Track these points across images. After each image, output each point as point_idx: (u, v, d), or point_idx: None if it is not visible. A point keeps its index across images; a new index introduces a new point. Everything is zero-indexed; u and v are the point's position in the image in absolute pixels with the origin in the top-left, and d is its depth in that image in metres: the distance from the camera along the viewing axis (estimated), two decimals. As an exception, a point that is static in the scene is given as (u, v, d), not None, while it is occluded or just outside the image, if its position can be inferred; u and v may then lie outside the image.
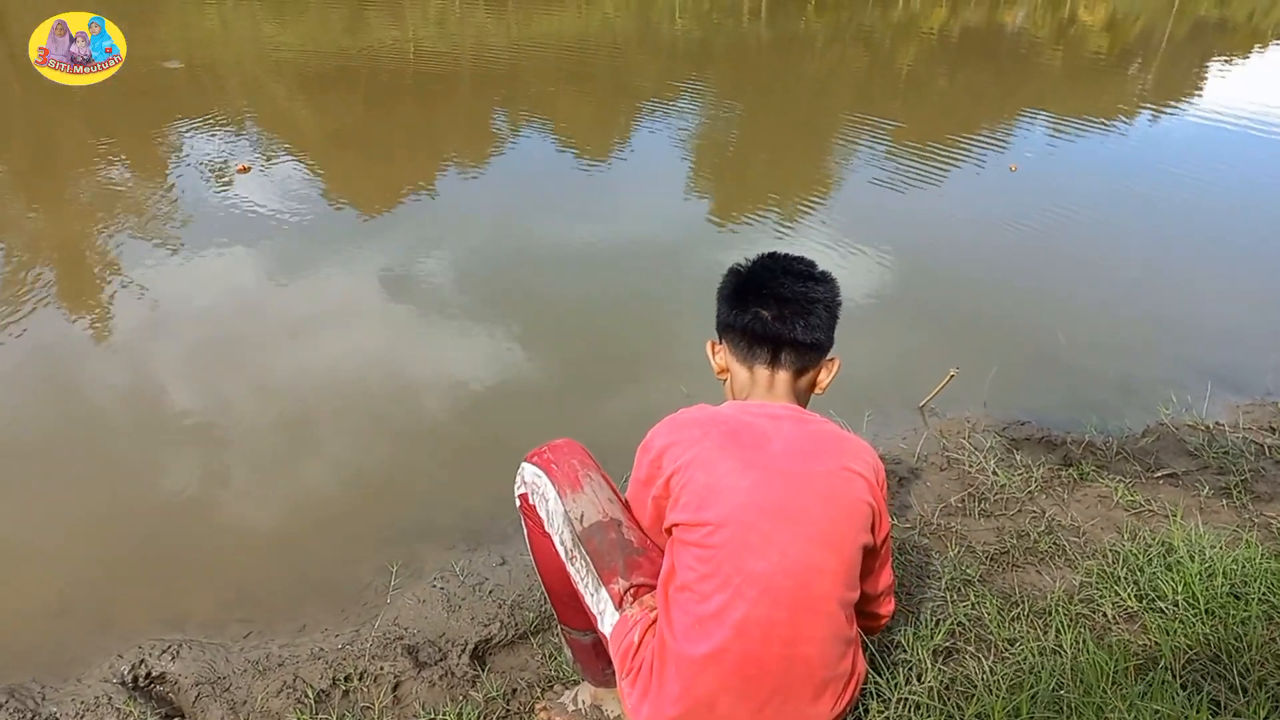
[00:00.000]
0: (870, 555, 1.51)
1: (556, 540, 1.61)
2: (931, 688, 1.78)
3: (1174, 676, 1.78)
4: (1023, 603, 2.08)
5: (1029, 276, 4.56)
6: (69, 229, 4.61)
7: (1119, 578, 2.14)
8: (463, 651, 2.09)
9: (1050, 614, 2.02)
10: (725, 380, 1.70)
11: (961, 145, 6.85)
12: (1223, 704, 1.74)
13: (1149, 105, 9.08)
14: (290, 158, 5.82)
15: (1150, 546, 2.24)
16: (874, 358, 3.49)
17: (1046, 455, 2.86)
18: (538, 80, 8.92)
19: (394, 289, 4.06)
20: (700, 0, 15.83)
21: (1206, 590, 2.02)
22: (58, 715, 1.89)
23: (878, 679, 1.79)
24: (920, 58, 11.88)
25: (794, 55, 11.31)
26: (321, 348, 3.60)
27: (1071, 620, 1.99)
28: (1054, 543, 2.35)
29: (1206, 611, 1.97)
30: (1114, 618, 2.02)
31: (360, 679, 1.98)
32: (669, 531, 1.50)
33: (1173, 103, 9.17)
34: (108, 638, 2.16)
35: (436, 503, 2.73)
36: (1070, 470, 2.73)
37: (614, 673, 1.58)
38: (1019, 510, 2.53)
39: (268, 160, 5.70)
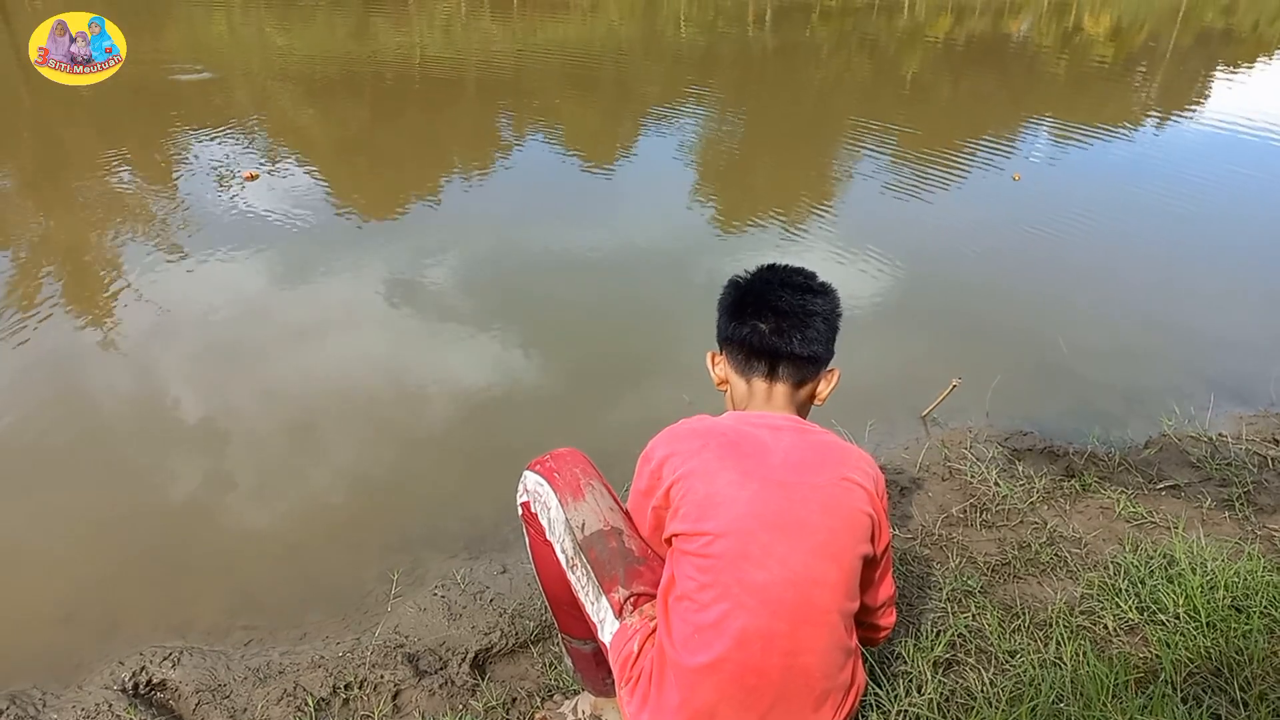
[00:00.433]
0: (870, 566, 1.52)
1: (558, 548, 1.61)
2: (931, 699, 1.78)
3: (1175, 690, 1.78)
4: (1024, 614, 2.07)
5: (1032, 285, 4.56)
6: (77, 235, 4.64)
7: (1120, 590, 2.13)
8: (463, 660, 2.09)
9: (1051, 626, 2.02)
10: (725, 391, 1.71)
11: (965, 153, 6.86)
12: (1224, 718, 1.73)
13: (1154, 113, 9.08)
14: (298, 165, 5.85)
15: (1152, 558, 2.24)
16: (877, 367, 3.49)
17: (1049, 466, 2.85)
18: (543, 87, 8.96)
19: (400, 296, 4.07)
20: (705, 8, 15.88)
21: (1208, 603, 2.01)
22: (59, 722, 1.89)
23: (877, 690, 1.79)
24: (925, 66, 11.90)
25: (799, 63, 11.33)
26: (326, 354, 3.61)
27: (1072, 632, 1.99)
28: (1055, 554, 2.35)
29: (1208, 624, 1.96)
30: (1115, 630, 2.02)
31: (360, 687, 1.99)
32: (669, 541, 1.50)
33: (1178, 111, 9.17)
34: (110, 644, 2.16)
35: (439, 510, 2.74)
36: (1072, 481, 2.73)
37: (614, 682, 1.58)
38: (1021, 521, 2.52)
39: (275, 167, 5.72)
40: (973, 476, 2.74)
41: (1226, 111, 8.82)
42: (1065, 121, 8.24)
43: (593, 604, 1.58)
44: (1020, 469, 2.79)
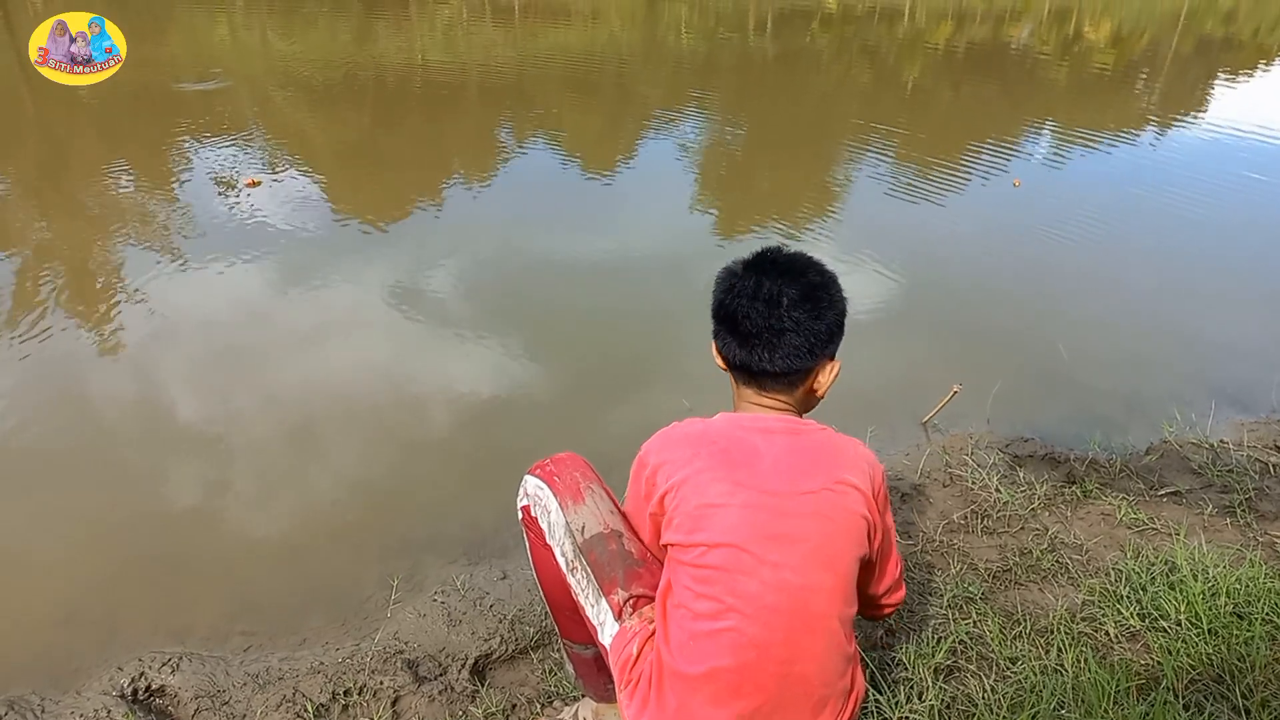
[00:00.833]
0: (867, 567, 1.51)
1: (558, 551, 1.61)
2: (932, 706, 1.78)
3: (1176, 697, 1.77)
4: (1025, 621, 2.07)
5: (1033, 292, 4.56)
6: (80, 241, 4.65)
7: (1122, 596, 2.13)
8: (463, 666, 2.09)
9: (1052, 632, 2.01)
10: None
11: (966, 160, 6.86)
12: (1225, 725, 1.73)
13: (1154, 120, 9.09)
14: (299, 171, 5.86)
15: (1153, 565, 2.23)
16: (877, 373, 3.49)
17: (1050, 472, 2.85)
18: (544, 94, 8.98)
19: (401, 301, 4.07)
20: (706, 15, 15.93)
21: (1210, 610, 2.01)
22: (57, 728, 1.89)
23: (878, 696, 1.79)
24: (925, 72, 11.92)
25: (799, 70, 11.35)
26: (327, 359, 3.62)
27: (1073, 639, 1.98)
28: (1057, 560, 2.34)
29: (1209, 631, 1.96)
30: (1116, 637, 2.01)
31: (360, 693, 1.98)
32: (665, 548, 1.50)
33: (1178, 117, 9.18)
34: (109, 649, 2.16)
35: (439, 516, 2.73)
36: (1073, 488, 2.72)
37: (615, 687, 1.58)
38: (1022, 527, 2.52)
39: (277, 174, 5.73)
40: (974, 483, 2.74)
41: (1227, 118, 8.83)
42: (1066, 128, 8.25)
43: (593, 606, 1.58)
44: (1021, 475, 2.79)
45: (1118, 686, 1.77)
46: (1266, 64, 13.54)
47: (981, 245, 5.22)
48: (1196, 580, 2.10)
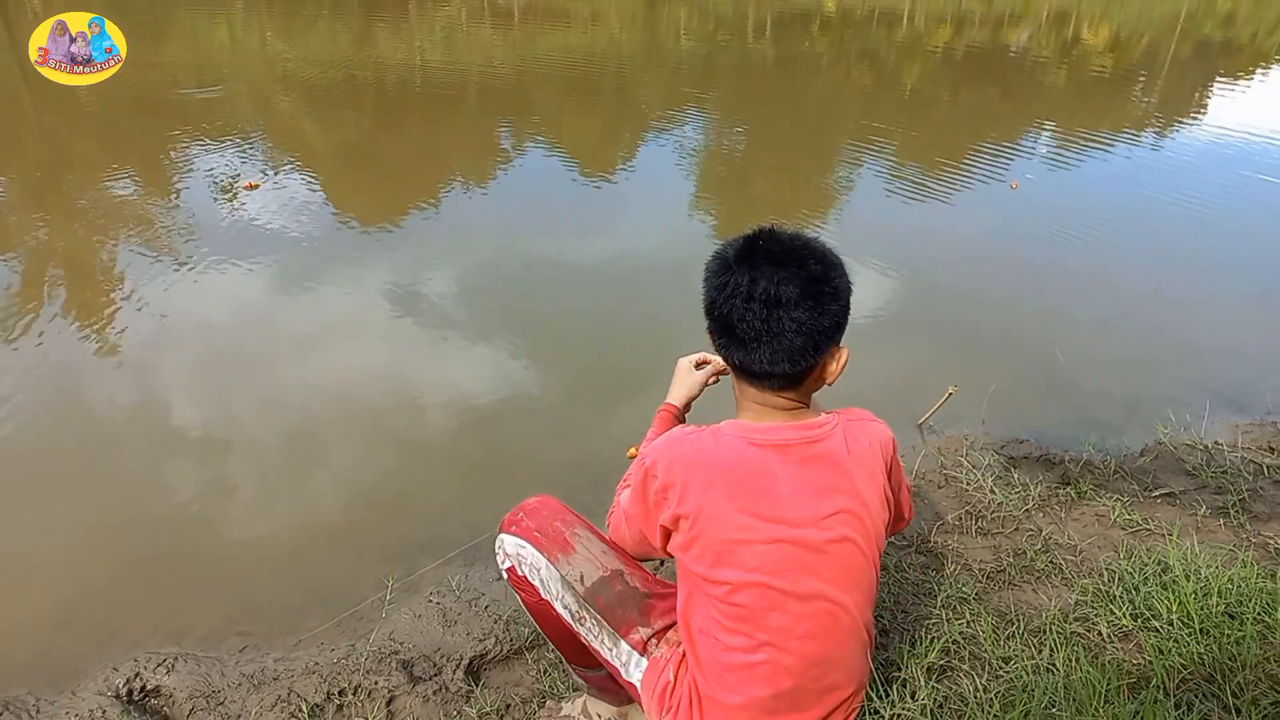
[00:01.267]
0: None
1: (559, 605, 1.59)
2: (925, 705, 1.78)
3: (1167, 695, 1.77)
4: (1018, 621, 2.08)
5: (1029, 294, 4.57)
6: (79, 244, 4.66)
7: (1114, 596, 2.13)
8: (457, 667, 2.09)
9: (1045, 632, 2.02)
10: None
11: (964, 163, 6.87)
12: (1216, 724, 1.73)
13: (1152, 124, 9.10)
14: (299, 174, 5.87)
15: (1146, 565, 2.24)
16: (873, 374, 3.49)
17: (1044, 473, 2.86)
18: (543, 96, 8.99)
19: (399, 305, 4.08)
20: (705, 19, 15.95)
21: (1201, 609, 2.01)
22: (53, 727, 1.90)
23: (872, 695, 1.79)
24: (924, 76, 11.94)
25: (799, 74, 11.37)
26: (325, 363, 3.63)
27: (1066, 639, 1.99)
28: (1050, 561, 2.35)
29: (1201, 631, 1.96)
30: (1109, 636, 2.02)
31: (355, 693, 1.99)
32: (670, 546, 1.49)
33: (1176, 121, 9.18)
34: (104, 650, 2.17)
35: (434, 518, 2.74)
36: (1068, 489, 2.73)
37: (637, 700, 1.58)
38: (1016, 528, 2.53)
39: (276, 177, 5.74)
40: (968, 484, 2.74)
41: (1225, 121, 8.84)
42: (1064, 131, 8.26)
43: (610, 650, 1.57)
44: (1016, 477, 2.80)
45: (1109, 685, 1.78)
46: (1265, 67, 13.56)
47: (978, 247, 5.22)
48: (1189, 580, 2.10)
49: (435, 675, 2.07)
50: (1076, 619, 2.08)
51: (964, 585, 2.23)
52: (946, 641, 2.01)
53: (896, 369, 3.66)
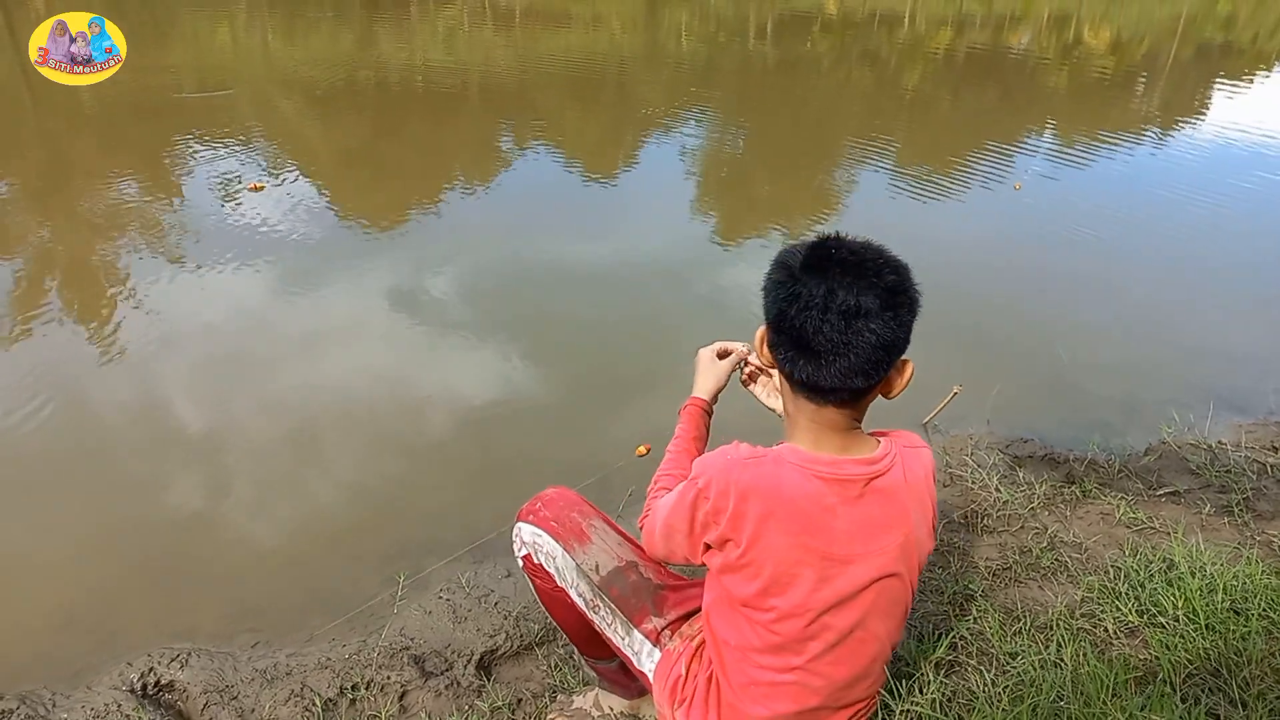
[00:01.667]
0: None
1: (573, 593, 1.61)
2: (934, 699, 1.79)
3: (1173, 690, 1.79)
4: (1024, 617, 2.09)
5: (1033, 294, 4.58)
6: (82, 245, 4.67)
7: (1120, 593, 2.15)
8: (468, 662, 2.11)
9: (1052, 628, 2.03)
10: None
11: (967, 164, 6.89)
12: (1221, 717, 1.75)
13: (1154, 125, 9.12)
14: (302, 176, 5.88)
15: (1151, 563, 2.25)
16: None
17: (1049, 472, 2.87)
18: (545, 98, 9.01)
19: (402, 307, 4.10)
20: (706, 21, 15.97)
21: (1207, 606, 2.03)
22: (69, 721, 1.91)
23: (882, 691, 1.80)
24: (925, 78, 11.96)
25: (800, 76, 11.39)
26: (330, 364, 3.64)
27: (1073, 634, 2.00)
28: (1056, 559, 2.37)
29: (1207, 627, 1.97)
30: (1115, 632, 2.03)
31: (367, 688, 2.00)
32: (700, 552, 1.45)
33: (1178, 123, 9.21)
34: (119, 646, 2.19)
35: (443, 516, 2.76)
36: (1073, 488, 2.75)
37: (642, 688, 1.59)
38: (1021, 526, 2.54)
39: (280, 178, 5.76)
40: (974, 483, 2.76)
41: (1226, 122, 8.86)
42: (1066, 132, 8.28)
43: (623, 639, 1.59)
44: (1021, 475, 2.81)
45: (1116, 680, 1.79)
46: (1266, 69, 13.58)
47: (981, 248, 5.24)
48: (1194, 577, 2.12)
49: (447, 670, 2.09)
50: (1083, 615, 2.10)
51: (971, 582, 2.25)
52: (954, 637, 2.02)
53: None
